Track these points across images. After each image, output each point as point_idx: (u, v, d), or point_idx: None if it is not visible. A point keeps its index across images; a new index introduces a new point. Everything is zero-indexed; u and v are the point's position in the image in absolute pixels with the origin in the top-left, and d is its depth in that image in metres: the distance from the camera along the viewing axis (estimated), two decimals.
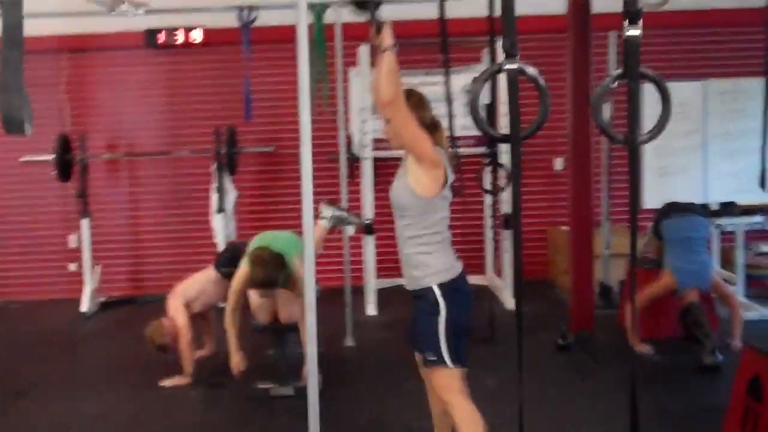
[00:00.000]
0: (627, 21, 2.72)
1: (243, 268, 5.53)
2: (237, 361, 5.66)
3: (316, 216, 6.18)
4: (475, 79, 2.82)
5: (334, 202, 6.17)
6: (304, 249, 5.53)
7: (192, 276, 6.38)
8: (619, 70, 2.73)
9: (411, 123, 3.49)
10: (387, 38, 3.46)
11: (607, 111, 7.79)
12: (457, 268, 3.73)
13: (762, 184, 4.47)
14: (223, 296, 6.34)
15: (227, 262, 6.15)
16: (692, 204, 6.95)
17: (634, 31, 2.69)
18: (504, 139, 2.77)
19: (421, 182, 3.56)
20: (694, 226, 6.60)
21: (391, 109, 3.44)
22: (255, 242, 5.75)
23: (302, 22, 3.24)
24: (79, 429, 5.19)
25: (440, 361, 3.62)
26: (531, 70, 2.79)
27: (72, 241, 9.40)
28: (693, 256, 6.40)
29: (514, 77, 2.74)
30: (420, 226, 3.64)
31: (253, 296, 5.74)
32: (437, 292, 3.62)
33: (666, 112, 2.78)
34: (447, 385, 3.69)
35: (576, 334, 6.65)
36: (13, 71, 2.69)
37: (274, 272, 5.33)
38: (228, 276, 6.08)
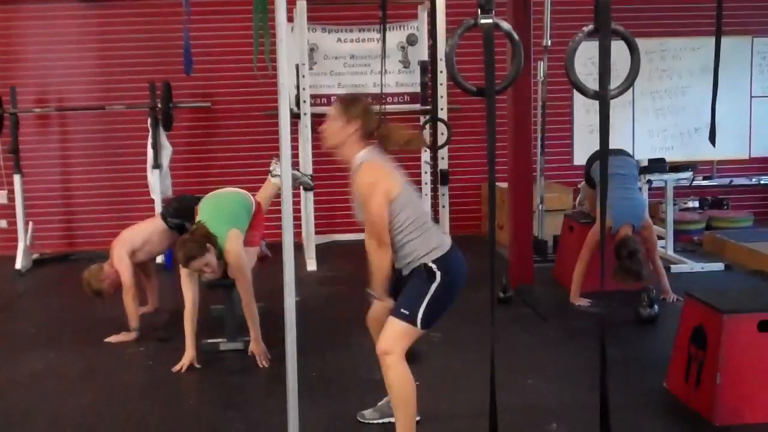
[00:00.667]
0: None
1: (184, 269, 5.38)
2: (191, 356, 5.39)
3: (267, 173, 6.21)
4: (452, 34, 2.85)
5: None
6: (246, 214, 5.61)
7: (138, 224, 6.31)
8: (591, 26, 2.78)
9: (374, 215, 3.68)
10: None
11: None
12: (446, 243, 3.80)
13: (712, 140, 4.58)
14: (167, 247, 6.34)
15: (175, 213, 6.11)
16: (621, 149, 7.09)
17: None
18: (479, 92, 2.81)
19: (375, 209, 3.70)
20: (623, 164, 6.68)
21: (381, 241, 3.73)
22: (202, 208, 5.69)
23: None
24: (23, 389, 5.10)
25: (410, 318, 3.66)
26: (505, 25, 2.84)
27: (2, 197, 9.21)
28: (625, 192, 6.45)
29: (490, 32, 2.79)
30: (395, 226, 3.72)
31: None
32: (433, 266, 3.68)
33: (635, 67, 2.86)
34: (399, 339, 3.69)
35: (516, 287, 6.80)
36: None
37: (193, 251, 5.21)
38: (175, 227, 6.05)
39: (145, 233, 6.18)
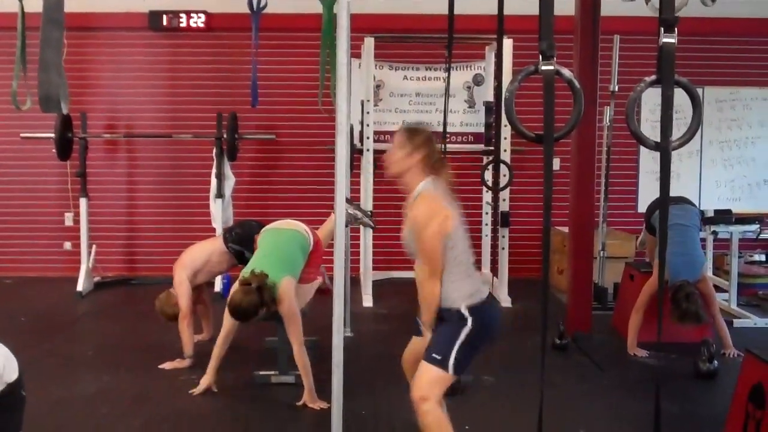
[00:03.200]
0: (662, 29, 2.74)
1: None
2: (209, 382, 5.47)
3: (330, 207, 6.23)
4: (512, 80, 2.84)
5: (351, 200, 6.18)
6: (303, 256, 5.62)
7: (199, 244, 6.37)
8: (653, 77, 2.75)
9: (429, 255, 3.66)
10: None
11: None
12: (483, 291, 3.77)
13: None
14: (225, 269, 6.40)
15: (237, 239, 6.15)
16: (683, 197, 6.98)
17: (670, 39, 2.72)
18: (538, 139, 2.79)
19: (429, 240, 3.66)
20: (685, 214, 6.58)
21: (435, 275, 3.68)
22: (261, 242, 5.72)
23: (343, 11, 3.24)
24: (77, 410, 5.16)
25: (442, 364, 3.63)
26: (566, 72, 2.83)
27: (68, 219, 9.40)
28: (684, 247, 6.35)
29: (551, 78, 2.77)
30: (445, 259, 3.68)
31: None
32: (465, 312, 3.65)
33: (697, 118, 2.81)
34: (433, 385, 3.66)
35: (573, 334, 6.71)
36: (54, 50, 2.70)
37: (248, 314, 5.22)
38: (235, 254, 6.10)
39: (205, 253, 6.23)
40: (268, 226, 5.91)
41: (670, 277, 6.22)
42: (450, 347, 3.62)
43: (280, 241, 5.73)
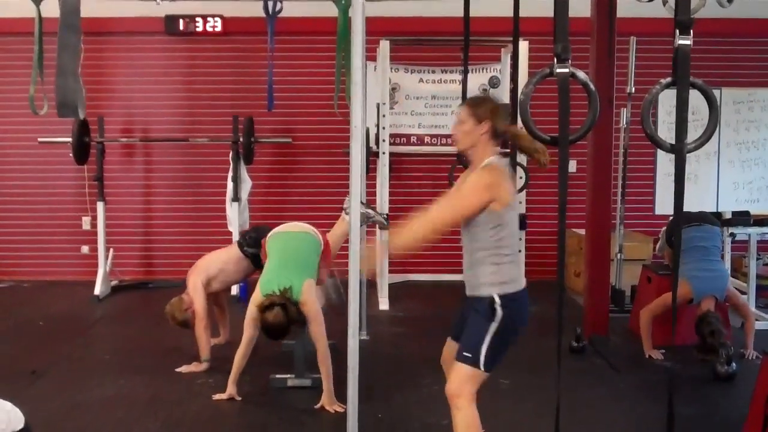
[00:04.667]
0: (678, 30, 2.72)
1: (254, 310, 5.33)
2: (232, 392, 5.45)
3: (342, 210, 6.24)
4: (527, 83, 2.83)
5: (366, 202, 6.19)
6: (317, 259, 5.62)
7: (214, 252, 6.38)
8: (669, 79, 2.74)
9: (449, 208, 3.66)
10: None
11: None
12: (520, 282, 3.73)
13: None
14: (242, 276, 6.40)
15: (252, 243, 6.14)
16: (704, 213, 6.99)
17: (685, 41, 2.70)
18: (553, 141, 2.78)
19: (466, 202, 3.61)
20: (707, 236, 6.63)
21: (440, 225, 3.63)
22: (272, 246, 5.73)
23: (358, 14, 3.24)
24: (95, 413, 5.19)
25: (474, 361, 3.62)
26: (581, 75, 2.82)
27: (86, 223, 9.44)
28: (708, 264, 6.44)
29: (565, 81, 2.76)
30: (489, 239, 3.63)
31: None
32: (498, 301, 3.61)
33: (713, 120, 2.80)
34: (465, 382, 3.66)
35: (589, 337, 6.68)
36: (70, 55, 2.71)
37: (283, 332, 5.33)
38: (252, 257, 6.10)
39: (220, 261, 6.25)
40: (276, 230, 5.89)
41: (694, 294, 6.30)
42: (480, 344, 3.61)
43: (294, 244, 5.75)
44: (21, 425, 3.35)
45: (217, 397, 5.41)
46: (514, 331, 3.72)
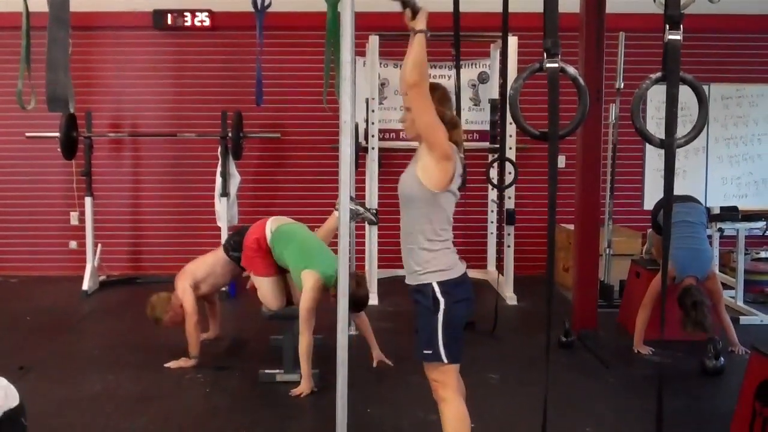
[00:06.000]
0: (668, 25, 2.72)
1: (315, 277, 5.44)
2: (307, 387, 5.43)
3: (333, 206, 6.24)
4: (516, 78, 2.83)
5: (354, 198, 6.18)
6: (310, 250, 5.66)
7: (201, 257, 6.38)
8: (659, 74, 2.74)
9: (430, 110, 3.43)
10: (421, 23, 3.40)
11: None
12: (459, 268, 3.71)
13: None
14: (230, 278, 6.42)
15: (237, 246, 6.12)
16: (690, 196, 6.99)
17: (675, 36, 2.70)
18: (542, 136, 2.78)
19: (429, 173, 3.53)
20: (691, 212, 6.61)
21: (414, 92, 3.38)
22: (292, 233, 5.75)
23: (347, 9, 3.23)
24: (82, 409, 5.16)
25: (435, 357, 3.62)
26: (571, 70, 2.82)
27: (74, 218, 9.41)
28: (691, 242, 6.39)
29: (555, 76, 2.76)
30: (425, 221, 3.60)
31: (264, 284, 5.76)
32: (437, 289, 3.60)
33: (703, 115, 2.80)
34: (440, 381, 3.68)
35: (578, 331, 6.70)
36: (60, 50, 2.69)
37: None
38: (237, 261, 6.10)
39: (207, 265, 6.25)
40: (281, 224, 5.86)
41: (677, 272, 6.25)
42: (434, 339, 3.61)
43: (309, 233, 5.86)
44: (17, 402, 3.34)
45: (295, 392, 5.39)
46: (462, 313, 3.69)
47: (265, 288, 5.75)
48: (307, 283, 5.42)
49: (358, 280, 5.47)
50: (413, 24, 3.37)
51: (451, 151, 3.53)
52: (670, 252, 6.10)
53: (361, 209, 6.12)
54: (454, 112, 3.73)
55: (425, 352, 3.65)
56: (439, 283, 3.61)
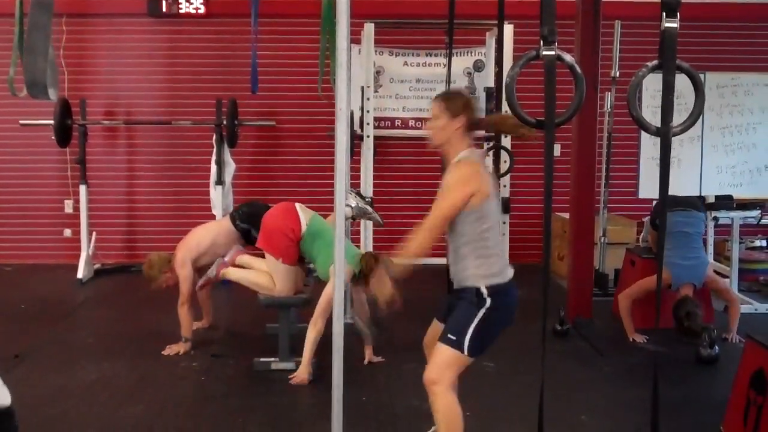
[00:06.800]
0: (665, 13, 2.71)
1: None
2: (305, 375, 5.45)
3: (329, 194, 6.21)
4: (513, 65, 2.82)
5: (360, 193, 6.16)
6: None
7: (203, 226, 6.37)
8: (655, 62, 2.73)
9: (439, 212, 3.60)
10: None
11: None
12: (507, 274, 3.73)
13: None
14: (229, 249, 6.27)
15: (245, 218, 6.11)
16: (691, 198, 7.00)
17: (672, 23, 2.69)
18: (539, 124, 2.78)
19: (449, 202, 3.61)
20: (691, 222, 6.65)
21: (435, 230, 3.63)
22: (321, 227, 5.73)
23: None
24: (78, 398, 5.16)
25: (458, 344, 3.60)
26: (568, 58, 2.81)
27: (68, 206, 9.39)
28: (688, 252, 6.47)
29: (552, 64, 2.75)
30: (472, 232, 3.63)
31: (287, 271, 5.72)
32: (484, 291, 3.62)
33: (699, 103, 2.79)
34: (446, 367, 3.64)
35: (573, 320, 6.70)
36: (41, 34, 2.67)
37: None
38: (242, 232, 6.06)
39: (212, 234, 6.20)
40: (310, 216, 5.79)
41: (672, 280, 6.37)
42: (466, 328, 3.60)
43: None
44: (8, 402, 3.32)
45: (295, 380, 5.43)
46: (502, 321, 3.72)
47: (285, 274, 5.68)
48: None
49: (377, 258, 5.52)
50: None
51: (470, 176, 3.58)
52: (667, 261, 6.23)
53: (369, 209, 6.05)
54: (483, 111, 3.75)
55: (450, 336, 3.63)
56: (487, 287, 3.63)
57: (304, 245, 5.68)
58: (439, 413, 3.66)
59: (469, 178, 3.58)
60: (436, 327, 3.93)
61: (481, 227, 3.62)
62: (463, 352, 3.60)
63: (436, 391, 3.63)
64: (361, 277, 5.55)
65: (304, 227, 5.66)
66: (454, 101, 3.70)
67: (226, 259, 5.95)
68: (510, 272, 3.77)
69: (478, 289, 3.62)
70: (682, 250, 6.43)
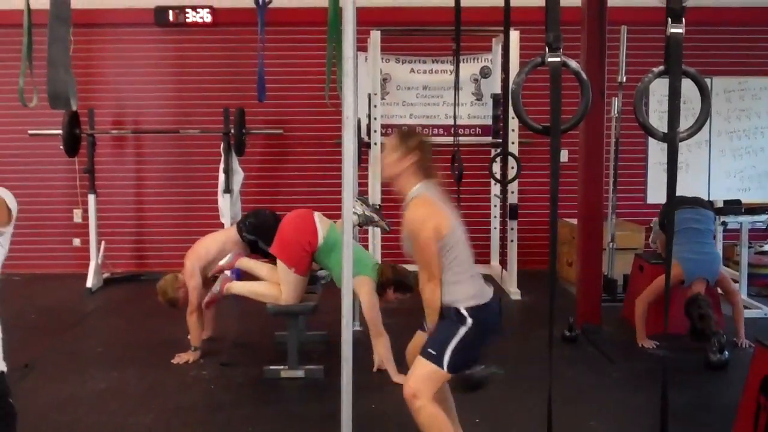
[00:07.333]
0: (670, 18, 2.71)
1: (370, 282, 5.64)
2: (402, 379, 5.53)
3: (338, 201, 6.22)
4: (518, 72, 2.82)
5: (367, 201, 6.16)
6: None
7: (210, 235, 6.36)
8: (661, 68, 2.73)
9: (428, 263, 3.67)
10: None
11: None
12: (485, 293, 3.76)
13: None
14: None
15: (252, 229, 6.08)
16: (698, 198, 6.99)
17: (677, 29, 2.69)
18: (544, 131, 2.78)
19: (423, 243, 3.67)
20: (700, 218, 6.62)
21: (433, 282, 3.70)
22: (327, 241, 5.69)
23: (348, 4, 3.23)
24: (87, 406, 5.17)
25: (437, 360, 3.62)
26: (573, 64, 2.81)
27: (77, 216, 9.42)
28: (700, 247, 6.42)
29: (557, 70, 2.76)
30: (444, 263, 3.67)
31: (297, 281, 5.70)
32: (465, 312, 3.64)
33: (706, 109, 2.79)
34: (424, 381, 3.65)
35: (582, 326, 6.69)
36: (61, 47, 2.69)
37: None
38: (249, 243, 6.06)
39: (219, 243, 6.19)
40: (327, 228, 5.77)
41: (686, 275, 6.27)
42: (446, 344, 3.63)
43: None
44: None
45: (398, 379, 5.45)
46: (483, 338, 3.75)
47: (294, 284, 5.65)
48: (364, 288, 5.55)
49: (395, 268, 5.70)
50: None
51: (433, 235, 3.63)
52: (679, 256, 6.19)
53: (376, 216, 6.04)
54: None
55: (430, 350, 3.65)
56: (467, 308, 3.66)
57: (318, 256, 5.68)
58: (425, 426, 3.67)
59: (426, 218, 3.64)
60: (420, 338, 3.94)
61: (449, 258, 3.67)
62: (442, 367, 3.62)
63: (417, 406, 3.63)
64: (379, 287, 5.62)
65: (321, 240, 5.65)
66: (409, 138, 3.79)
67: (224, 262, 5.97)
68: (489, 292, 3.79)
69: (457, 310, 3.65)
70: (692, 245, 6.37)
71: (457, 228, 3.73)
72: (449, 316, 3.67)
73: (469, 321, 3.62)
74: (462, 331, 3.62)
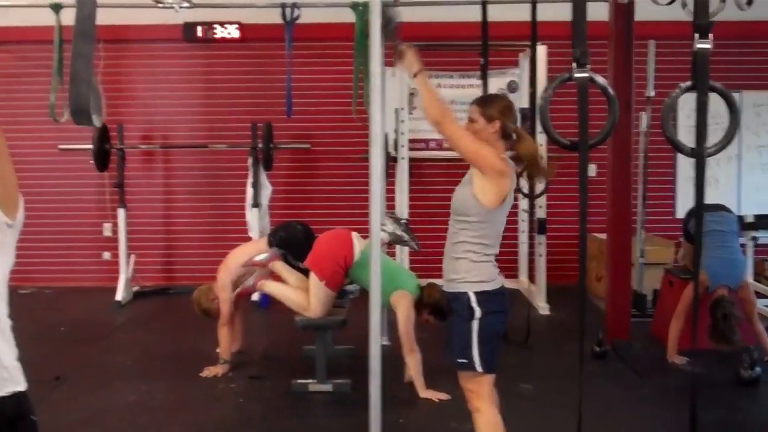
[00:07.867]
0: (697, 34, 2.72)
1: (408, 297, 5.65)
2: (428, 394, 5.56)
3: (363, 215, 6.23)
4: (546, 87, 2.83)
5: (398, 219, 6.16)
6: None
7: (241, 247, 6.40)
8: (688, 83, 2.73)
9: (463, 138, 3.55)
10: (412, 64, 3.48)
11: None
12: (497, 281, 3.73)
13: None
14: (270, 271, 6.17)
15: (282, 243, 6.10)
16: (719, 204, 6.91)
17: (704, 45, 2.70)
18: (572, 146, 2.78)
19: (486, 193, 3.56)
20: (723, 221, 6.51)
21: (440, 129, 3.53)
22: (363, 258, 5.62)
23: (375, 20, 3.25)
24: (115, 419, 5.21)
25: (470, 366, 3.63)
26: (600, 80, 2.82)
27: (107, 229, 9.49)
28: (724, 251, 6.30)
29: (584, 85, 2.76)
30: (474, 234, 3.63)
31: (327, 295, 5.70)
32: (473, 298, 3.63)
33: (734, 123, 2.78)
34: (474, 390, 3.70)
35: (612, 341, 6.65)
36: (84, 63, 2.72)
37: None
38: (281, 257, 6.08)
39: (250, 254, 6.19)
40: (364, 245, 5.72)
41: (710, 282, 6.17)
42: (469, 347, 3.63)
43: (385, 256, 6.00)
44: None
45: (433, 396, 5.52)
46: (496, 324, 3.72)
47: (323, 297, 5.64)
48: (403, 302, 5.58)
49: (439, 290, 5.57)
50: (406, 67, 3.44)
51: (505, 166, 3.56)
52: (703, 262, 6.10)
53: (406, 236, 6.03)
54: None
55: (459, 360, 3.66)
56: (476, 293, 3.63)
57: (354, 271, 5.68)
58: (482, 430, 3.71)
59: (504, 172, 3.57)
60: None
61: (483, 231, 3.62)
62: (477, 371, 3.64)
63: (476, 407, 3.71)
64: (419, 304, 5.63)
65: (357, 256, 5.66)
66: (491, 105, 3.69)
67: (261, 258, 5.98)
68: (500, 280, 3.77)
69: (468, 300, 3.64)
70: (717, 249, 6.23)
71: (505, 208, 3.69)
72: (460, 310, 3.66)
73: (478, 312, 3.62)
74: (475, 325, 3.62)
